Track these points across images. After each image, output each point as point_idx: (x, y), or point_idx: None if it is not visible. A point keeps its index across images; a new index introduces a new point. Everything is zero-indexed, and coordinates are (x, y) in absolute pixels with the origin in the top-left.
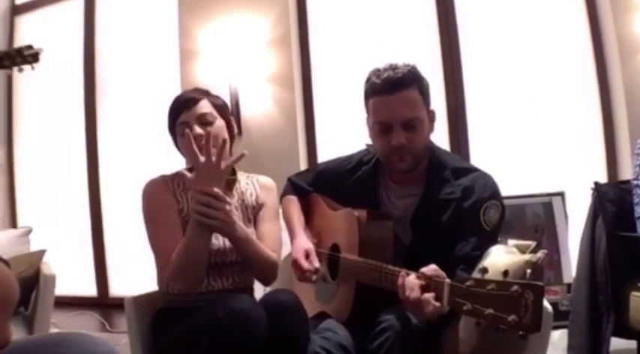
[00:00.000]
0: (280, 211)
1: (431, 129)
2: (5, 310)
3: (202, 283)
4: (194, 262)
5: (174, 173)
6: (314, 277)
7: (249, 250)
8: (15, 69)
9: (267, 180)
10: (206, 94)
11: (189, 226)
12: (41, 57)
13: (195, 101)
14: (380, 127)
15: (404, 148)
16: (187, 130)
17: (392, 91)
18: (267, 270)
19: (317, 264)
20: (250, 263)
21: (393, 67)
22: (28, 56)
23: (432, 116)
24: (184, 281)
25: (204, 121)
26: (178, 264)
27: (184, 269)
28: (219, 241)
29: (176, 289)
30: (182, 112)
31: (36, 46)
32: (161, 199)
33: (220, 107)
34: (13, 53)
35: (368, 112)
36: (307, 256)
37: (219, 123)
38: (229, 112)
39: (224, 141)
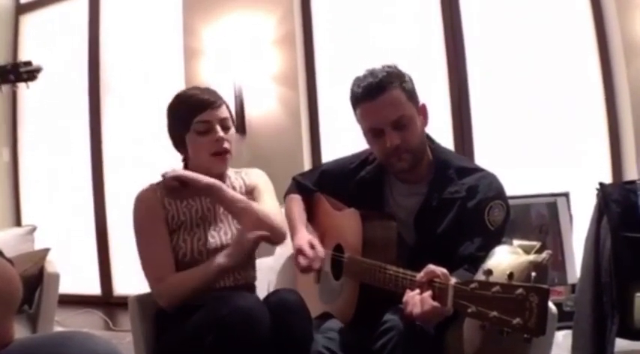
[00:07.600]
0: (283, 209)
1: (424, 123)
2: (9, 309)
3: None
4: (201, 290)
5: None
6: (317, 265)
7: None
8: (6, 86)
9: (253, 170)
10: (222, 99)
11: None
12: (40, 75)
13: (219, 104)
14: (372, 133)
15: (400, 148)
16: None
17: (374, 96)
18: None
19: (322, 253)
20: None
21: (372, 73)
22: (24, 73)
23: (423, 110)
24: (179, 302)
25: (225, 125)
26: (187, 289)
27: (188, 294)
28: (220, 238)
29: (161, 303)
30: (205, 111)
31: (35, 63)
32: (149, 211)
33: (232, 115)
34: (9, 68)
35: (358, 121)
36: (312, 246)
37: (233, 131)
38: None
39: None
